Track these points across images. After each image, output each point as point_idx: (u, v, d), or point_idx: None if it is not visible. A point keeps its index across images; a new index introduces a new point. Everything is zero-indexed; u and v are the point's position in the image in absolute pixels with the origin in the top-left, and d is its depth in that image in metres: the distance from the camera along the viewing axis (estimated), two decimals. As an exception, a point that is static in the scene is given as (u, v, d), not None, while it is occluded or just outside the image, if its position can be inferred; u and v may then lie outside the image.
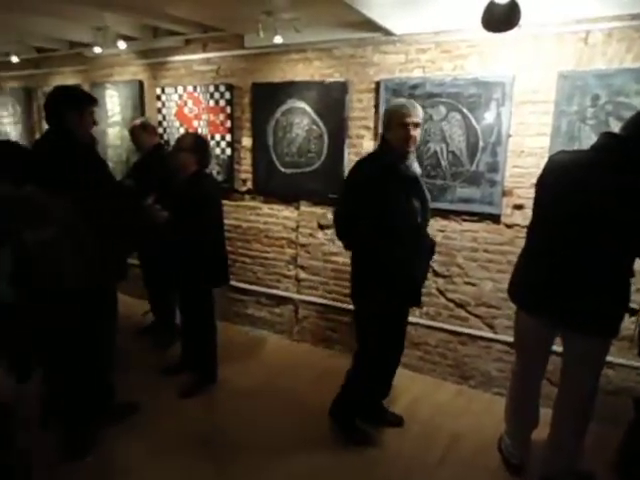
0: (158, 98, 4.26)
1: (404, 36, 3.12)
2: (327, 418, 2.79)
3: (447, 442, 2.72)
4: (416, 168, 2.44)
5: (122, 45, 3.87)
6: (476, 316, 3.21)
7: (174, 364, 3.37)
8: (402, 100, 2.54)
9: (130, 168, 3.94)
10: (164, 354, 3.65)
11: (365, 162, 2.50)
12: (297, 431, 2.78)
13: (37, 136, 5.33)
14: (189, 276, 2.96)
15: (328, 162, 3.51)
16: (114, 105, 4.61)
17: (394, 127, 2.36)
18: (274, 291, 3.98)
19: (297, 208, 3.76)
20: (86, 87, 4.61)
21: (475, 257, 3.14)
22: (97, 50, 3.99)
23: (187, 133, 3.89)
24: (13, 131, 5.60)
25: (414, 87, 3.10)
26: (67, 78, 4.98)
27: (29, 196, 2.28)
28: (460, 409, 3.06)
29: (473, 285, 3.17)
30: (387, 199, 2.33)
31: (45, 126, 2.61)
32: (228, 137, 3.92)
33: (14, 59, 4.82)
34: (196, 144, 2.95)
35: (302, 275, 3.83)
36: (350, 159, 3.45)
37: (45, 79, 5.18)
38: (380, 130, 2.63)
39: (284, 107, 3.61)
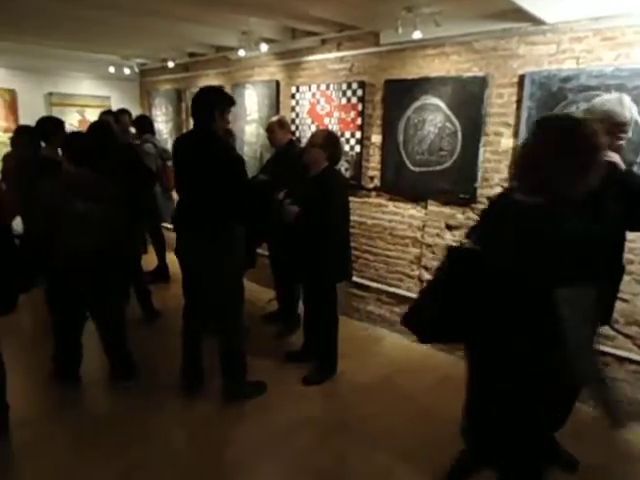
0: (292, 97, 4.45)
1: (557, 24, 2.86)
2: (450, 428, 2.69)
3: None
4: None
5: (264, 47, 4.11)
6: (626, 336, 2.85)
7: (296, 352, 3.51)
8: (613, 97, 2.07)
9: (264, 164, 4.19)
10: (287, 341, 3.83)
11: None
12: (420, 436, 2.71)
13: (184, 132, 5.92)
14: (315, 270, 3.05)
15: (461, 161, 3.37)
16: (252, 104, 4.92)
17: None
18: (395, 290, 3.95)
19: (424, 207, 3.68)
20: (228, 88, 4.98)
21: (629, 270, 2.79)
22: (241, 53, 4.28)
23: (320, 129, 4.00)
24: (165, 128, 6.27)
25: (566, 80, 2.83)
26: (211, 80, 5.44)
27: (83, 175, 2.86)
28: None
29: (625, 301, 2.82)
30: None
31: (192, 125, 2.85)
32: (358, 134, 3.96)
33: (170, 64, 5.39)
34: (327, 140, 3.02)
35: (426, 276, 3.74)
36: (485, 157, 3.28)
37: (193, 81, 5.71)
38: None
39: (417, 104, 3.54)
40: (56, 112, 5.89)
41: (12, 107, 5.67)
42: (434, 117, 3.46)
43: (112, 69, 6.04)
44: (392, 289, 3.97)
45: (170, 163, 5.22)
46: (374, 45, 3.77)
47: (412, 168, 3.65)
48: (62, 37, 4.70)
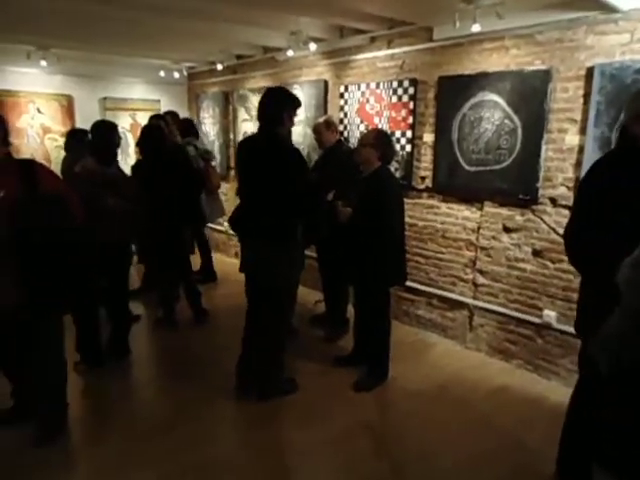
0: (341, 96, 4.39)
1: (632, 11, 2.66)
2: (509, 439, 2.56)
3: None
4: None
5: (312, 47, 4.06)
6: None
7: (346, 356, 3.44)
8: None
9: (312, 164, 4.13)
10: (335, 345, 3.76)
11: (603, 164, 1.86)
12: (478, 447, 2.59)
13: (231, 135, 5.97)
14: (369, 273, 2.97)
15: (520, 160, 3.20)
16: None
17: None
18: (448, 294, 3.81)
19: (480, 208, 3.52)
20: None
21: None
22: (290, 53, 4.25)
23: (371, 129, 3.93)
24: (211, 130, 6.35)
25: (641, 71, 2.62)
26: (258, 81, 5.45)
27: (111, 172, 3.27)
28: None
29: None
30: None
31: (239, 126, 2.83)
32: (409, 133, 3.85)
33: (219, 67, 5.45)
34: (379, 139, 2.94)
35: (480, 280, 3.59)
36: (548, 156, 3.10)
37: (240, 83, 5.75)
38: (620, 121, 2.19)
39: (473, 100, 3.40)
40: (110, 116, 6.08)
41: (69, 112, 5.90)
42: (492, 114, 3.30)
43: (162, 73, 6.17)
44: (444, 293, 3.84)
45: (214, 163, 5.29)
46: (427, 41, 3.64)
47: (467, 168, 3.51)
48: (116, 43, 4.83)
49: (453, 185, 3.63)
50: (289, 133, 2.96)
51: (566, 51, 2.96)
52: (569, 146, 3.00)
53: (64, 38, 4.65)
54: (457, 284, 3.75)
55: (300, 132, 4.90)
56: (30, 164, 2.36)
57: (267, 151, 2.72)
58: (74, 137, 4.33)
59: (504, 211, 3.38)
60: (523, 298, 3.34)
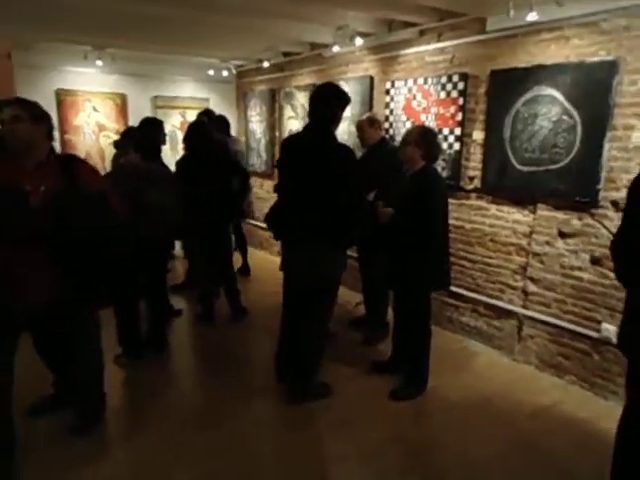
0: (387, 92, 4.25)
1: None
2: (561, 463, 2.35)
3: None
4: None
5: (359, 42, 3.95)
6: None
7: (384, 362, 3.31)
8: None
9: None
10: (373, 349, 3.64)
11: None
12: (525, 469, 2.40)
13: (276, 132, 5.96)
14: (410, 277, 2.83)
15: (579, 159, 2.95)
16: (344, 102, 4.79)
17: None
18: (495, 302, 3.59)
19: (532, 211, 3.28)
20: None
21: None
22: (336, 49, 4.16)
23: (415, 126, 3.78)
24: (258, 128, 6.37)
25: None
26: (305, 79, 5.40)
27: (153, 167, 3.34)
28: None
29: None
30: None
31: (284, 124, 2.79)
32: (457, 131, 3.66)
33: (265, 64, 5.45)
34: (422, 137, 2.80)
35: (531, 288, 3.35)
36: (611, 155, 2.83)
37: (286, 81, 5.72)
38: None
39: (527, 95, 3.17)
40: (160, 114, 6.24)
41: (123, 110, 6.10)
42: (548, 110, 3.07)
43: (211, 72, 6.26)
44: (491, 300, 3.62)
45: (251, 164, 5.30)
46: (479, 33, 3.44)
47: (519, 167, 3.28)
48: (167, 42, 4.93)
49: (504, 186, 3.41)
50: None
51: (635, 40, 2.68)
52: (636, 144, 2.72)
53: (118, 38, 4.80)
54: (505, 291, 3.52)
55: (345, 130, 4.79)
56: (71, 160, 2.40)
57: (318, 149, 2.66)
58: (125, 135, 4.45)
59: (559, 214, 3.13)
60: (579, 309, 3.09)
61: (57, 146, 5.55)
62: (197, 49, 5.39)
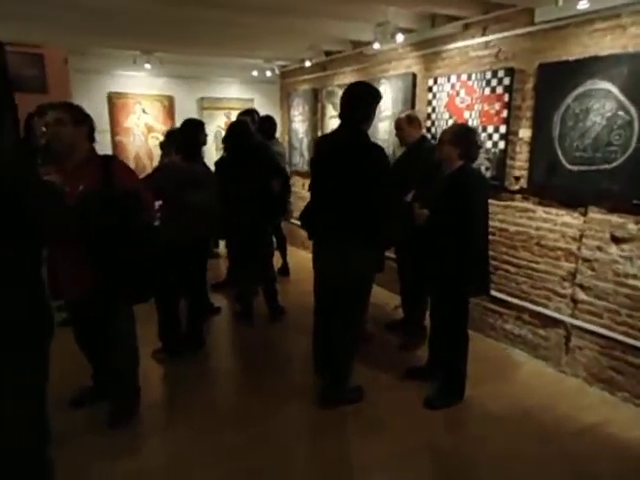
0: (429, 90, 4.12)
1: None
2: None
3: None
4: None
5: (400, 38, 3.84)
6: None
7: (419, 368, 3.21)
8: None
9: (393, 163, 3.93)
10: (410, 354, 3.54)
11: None
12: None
13: (319, 132, 5.94)
14: (446, 281, 2.72)
15: (637, 158, 2.72)
16: (387, 100, 4.68)
17: None
18: (541, 309, 3.39)
19: (583, 214, 3.07)
20: (363, 84, 4.82)
21: None
22: (376, 46, 4.07)
23: (453, 124, 3.64)
24: (300, 128, 6.37)
25: None
26: (347, 77, 5.34)
27: (194, 168, 3.36)
28: None
29: None
30: None
31: (326, 123, 2.76)
32: (502, 129, 3.48)
33: (307, 63, 5.44)
34: (458, 135, 2.68)
35: (581, 296, 3.13)
36: (673, 154, 2.59)
37: (329, 80, 5.68)
38: None
39: (579, 90, 2.96)
40: (206, 115, 6.39)
41: (170, 112, 6.28)
42: (602, 105, 2.85)
43: (255, 72, 6.33)
44: (536, 308, 3.42)
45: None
46: (527, 25, 3.25)
47: (569, 167, 3.07)
48: (212, 44, 5.03)
49: (552, 186, 3.21)
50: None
51: (703, 26, 2.44)
52: (702, 142, 2.48)
53: (165, 42, 4.95)
54: (552, 299, 3.32)
55: (386, 129, 4.71)
56: (109, 160, 2.47)
57: (351, 149, 2.62)
58: (169, 136, 4.57)
59: (613, 218, 2.91)
60: (634, 321, 2.85)
61: (109, 147, 5.85)
62: (241, 50, 5.46)
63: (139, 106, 6.11)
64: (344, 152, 2.62)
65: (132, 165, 6.08)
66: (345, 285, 2.71)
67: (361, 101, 2.60)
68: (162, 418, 2.82)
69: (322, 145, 2.84)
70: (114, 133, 5.98)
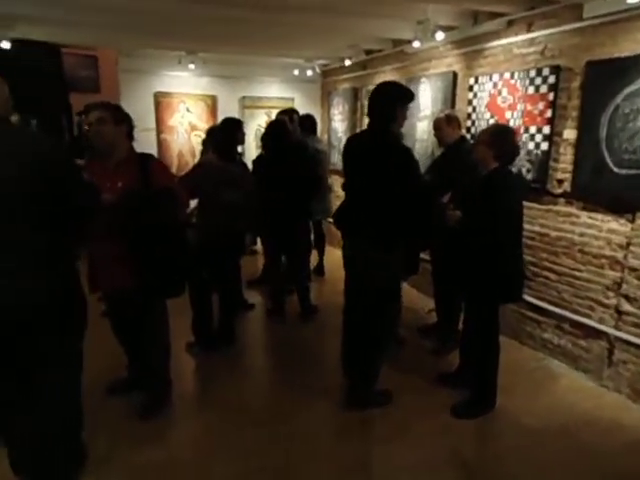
0: (470, 89, 4.00)
1: None
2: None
3: None
4: None
5: (440, 36, 3.76)
6: None
7: (450, 374, 3.13)
8: None
9: (430, 163, 3.86)
10: (442, 359, 3.46)
11: None
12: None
13: (357, 131, 5.90)
14: (476, 286, 2.64)
15: (692, 161, 2.54)
16: (426, 99, 4.60)
17: None
18: (582, 319, 3.22)
19: (631, 220, 2.89)
20: (402, 83, 4.74)
21: None
22: (416, 44, 4.00)
23: (490, 124, 3.53)
24: (340, 127, 6.35)
25: None
26: (387, 76, 5.27)
27: (230, 167, 3.38)
28: None
29: None
30: None
31: (365, 122, 2.76)
32: (546, 129, 3.34)
33: (347, 62, 5.42)
34: (495, 136, 2.59)
35: (626, 307, 2.96)
36: None
37: (369, 79, 5.63)
38: None
39: (630, 88, 2.78)
40: (248, 114, 6.50)
41: (213, 111, 6.42)
42: (654, 105, 2.68)
43: (296, 72, 6.37)
44: (578, 317, 3.25)
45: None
46: (574, 20, 3.09)
47: (616, 170, 2.90)
48: (254, 44, 5.09)
49: (597, 191, 3.04)
50: (399, 130, 2.80)
51: None
52: None
53: (209, 42, 5.06)
54: (595, 309, 3.15)
55: (425, 128, 4.62)
56: (146, 158, 2.55)
57: (375, 149, 2.61)
58: (209, 135, 4.67)
59: (665, 225, 2.73)
60: (684, 336, 2.67)
61: (154, 145, 6.05)
62: (282, 50, 5.51)
63: (183, 105, 6.28)
64: (368, 152, 2.62)
65: (175, 162, 6.28)
66: (369, 286, 2.68)
67: (386, 101, 2.57)
68: (191, 410, 2.89)
69: (349, 145, 2.83)
70: (159, 131, 6.18)
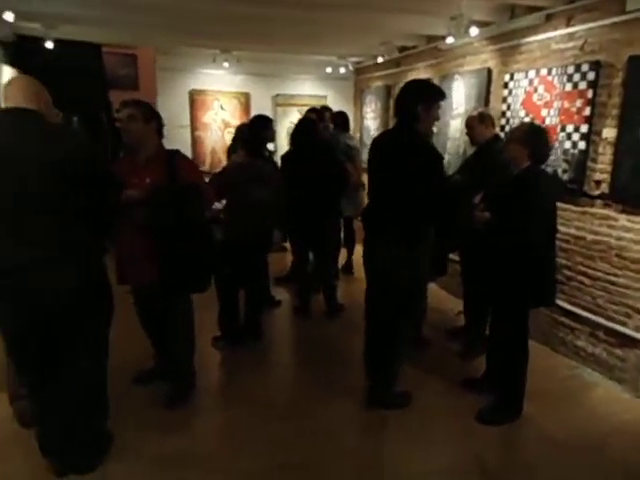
0: (505, 86, 3.89)
1: None
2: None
3: None
4: None
5: (474, 31, 3.67)
6: None
7: (476, 379, 3.05)
8: None
9: (462, 163, 3.77)
10: (469, 363, 3.38)
11: None
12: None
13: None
14: (505, 289, 2.56)
15: None
16: (459, 96, 4.50)
17: None
18: (619, 327, 3.08)
19: (673, 224, 2.75)
20: (436, 80, 4.67)
21: None
22: (450, 40, 3.92)
23: (523, 122, 3.41)
24: (372, 125, 6.31)
25: None
26: (421, 73, 5.19)
27: (258, 164, 3.39)
28: None
29: None
30: None
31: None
32: (584, 128, 3.20)
33: (380, 59, 5.36)
34: (528, 134, 2.51)
35: (666, 316, 2.81)
36: None
37: (402, 76, 5.56)
38: None
39: (675, 85, 2.64)
40: (280, 112, 6.54)
41: (246, 109, 6.50)
42: (702, 102, 2.52)
43: (329, 69, 6.36)
44: (614, 325, 3.11)
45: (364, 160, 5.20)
46: (617, 14, 2.95)
47: (659, 171, 2.76)
48: (288, 42, 5.13)
49: (638, 193, 2.90)
50: (430, 129, 2.74)
51: None
52: None
53: (243, 41, 5.12)
54: (633, 316, 3.00)
55: (457, 127, 4.52)
56: (174, 155, 2.60)
57: (398, 148, 2.58)
58: (239, 132, 4.72)
59: None
60: None
61: (189, 141, 6.17)
62: (315, 47, 5.51)
63: (217, 102, 6.38)
64: (391, 151, 2.59)
65: (208, 159, 6.40)
66: (389, 285, 2.65)
67: (408, 100, 2.53)
68: (216, 402, 2.94)
69: (375, 144, 2.80)
70: (194, 128, 6.30)
